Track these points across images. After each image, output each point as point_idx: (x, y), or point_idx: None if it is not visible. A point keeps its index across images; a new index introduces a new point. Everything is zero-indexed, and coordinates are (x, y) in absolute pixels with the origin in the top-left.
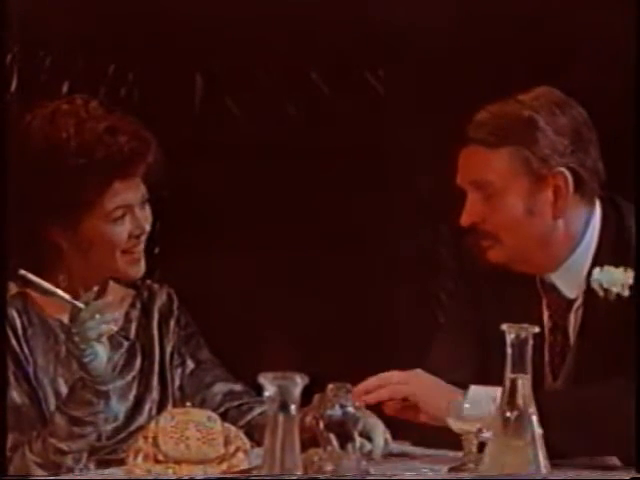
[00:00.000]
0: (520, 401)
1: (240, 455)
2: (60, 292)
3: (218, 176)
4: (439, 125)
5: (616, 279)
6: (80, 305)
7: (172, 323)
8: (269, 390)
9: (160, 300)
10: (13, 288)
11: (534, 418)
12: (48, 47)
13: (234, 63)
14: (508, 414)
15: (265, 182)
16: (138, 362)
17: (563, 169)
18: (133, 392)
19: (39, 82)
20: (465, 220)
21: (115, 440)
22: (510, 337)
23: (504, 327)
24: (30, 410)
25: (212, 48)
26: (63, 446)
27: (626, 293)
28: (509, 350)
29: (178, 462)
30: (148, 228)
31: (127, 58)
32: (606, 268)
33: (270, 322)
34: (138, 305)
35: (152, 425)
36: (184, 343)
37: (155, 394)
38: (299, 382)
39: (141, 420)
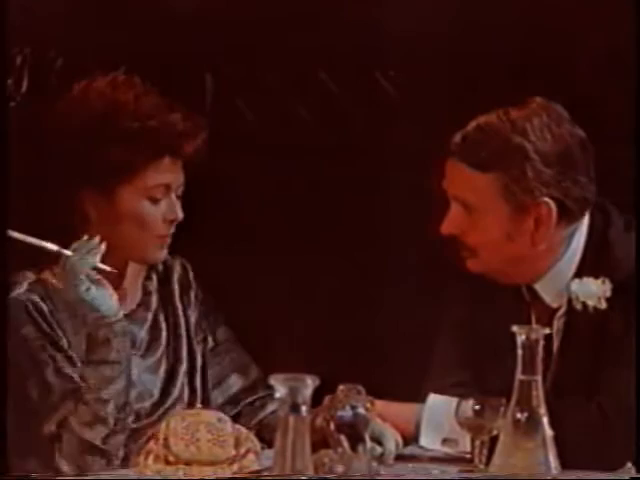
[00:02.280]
0: (531, 402)
1: (251, 456)
2: (46, 243)
3: (228, 176)
4: (450, 126)
5: (592, 292)
6: (69, 253)
7: (192, 295)
8: (280, 391)
9: (177, 271)
10: (31, 276)
11: (544, 419)
12: (59, 48)
13: (244, 64)
14: (518, 415)
15: (275, 182)
16: (164, 335)
17: (547, 199)
18: (163, 366)
19: (50, 83)
20: (445, 229)
21: (154, 418)
22: (521, 339)
23: (515, 329)
24: (67, 388)
25: (221, 49)
26: (102, 395)
27: (603, 306)
28: (520, 352)
29: (189, 463)
30: (181, 215)
31: (137, 59)
32: (584, 280)
33: (280, 323)
34: (154, 277)
35: (163, 426)
36: (204, 318)
37: (185, 366)
38: (310, 383)
39: (176, 394)
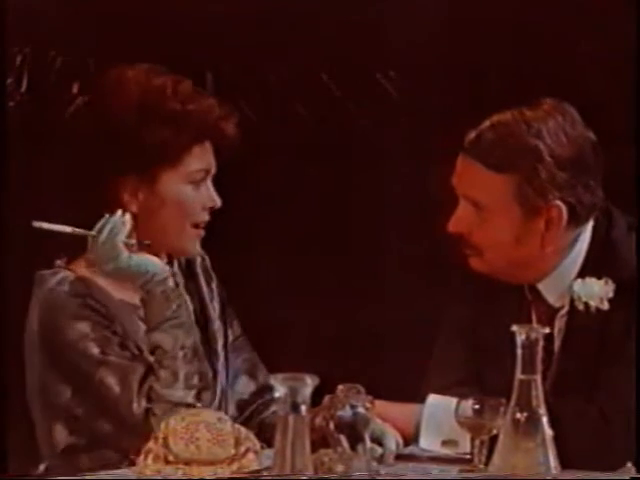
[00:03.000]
0: (530, 402)
1: (250, 456)
2: (71, 228)
3: (227, 175)
4: (450, 127)
5: (595, 292)
6: (93, 233)
7: (214, 286)
8: (279, 391)
9: (198, 262)
10: (70, 275)
11: (544, 419)
12: (59, 48)
13: (245, 64)
14: (518, 415)
15: (274, 181)
16: (195, 330)
17: (559, 202)
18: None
19: (49, 83)
20: (452, 227)
21: None
22: (520, 338)
23: (514, 328)
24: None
25: (222, 49)
26: (176, 353)
27: (605, 306)
28: (519, 351)
29: (188, 463)
30: (219, 202)
31: (137, 58)
32: (587, 280)
33: (279, 322)
34: (175, 262)
35: (162, 426)
36: (223, 310)
37: (221, 363)
38: (309, 383)
39: (219, 392)
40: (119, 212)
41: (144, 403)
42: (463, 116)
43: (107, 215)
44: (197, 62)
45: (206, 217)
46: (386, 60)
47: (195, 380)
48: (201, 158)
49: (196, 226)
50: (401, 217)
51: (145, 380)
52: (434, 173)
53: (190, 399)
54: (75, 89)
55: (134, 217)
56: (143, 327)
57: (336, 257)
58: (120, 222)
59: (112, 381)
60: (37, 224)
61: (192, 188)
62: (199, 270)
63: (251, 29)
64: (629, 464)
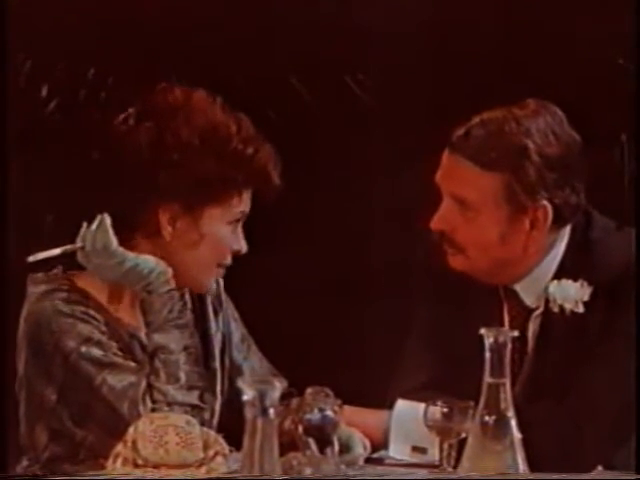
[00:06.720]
0: (499, 405)
1: (219, 459)
2: (60, 249)
3: None
4: (420, 129)
5: (570, 295)
6: (80, 245)
7: (226, 314)
8: (248, 394)
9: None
10: (65, 282)
11: (513, 422)
12: (28, 51)
13: (213, 68)
14: (487, 418)
15: None
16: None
17: (546, 203)
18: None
19: (18, 86)
20: (435, 224)
21: None
22: (489, 341)
23: (482, 331)
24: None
25: (191, 53)
26: (178, 356)
27: (580, 309)
28: (487, 354)
29: (157, 466)
30: (246, 249)
31: (107, 62)
32: (563, 282)
33: (252, 325)
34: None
35: (131, 430)
36: (240, 341)
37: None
38: (278, 386)
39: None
40: (98, 218)
41: (150, 403)
42: (436, 116)
43: (85, 224)
44: (165, 66)
45: (230, 260)
46: (354, 63)
47: (198, 381)
48: (244, 201)
49: (219, 266)
50: (375, 220)
51: (149, 380)
52: (410, 175)
53: (195, 400)
54: (44, 92)
55: (164, 245)
56: (139, 351)
57: (315, 259)
58: (104, 227)
59: (116, 382)
60: (32, 258)
61: (231, 230)
62: (209, 301)
63: (219, 32)
64: (600, 468)
